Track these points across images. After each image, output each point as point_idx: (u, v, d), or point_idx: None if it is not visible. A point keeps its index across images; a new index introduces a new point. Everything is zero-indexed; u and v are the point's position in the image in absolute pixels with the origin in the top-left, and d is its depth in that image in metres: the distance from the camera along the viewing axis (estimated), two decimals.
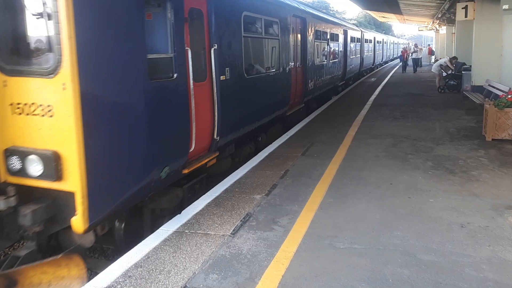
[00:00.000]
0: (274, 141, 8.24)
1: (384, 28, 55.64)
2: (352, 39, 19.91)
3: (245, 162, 6.77)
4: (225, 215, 4.59)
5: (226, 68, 6.01)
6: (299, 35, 10.68)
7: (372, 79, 23.76)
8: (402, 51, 30.16)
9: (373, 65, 30.45)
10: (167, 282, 3.26)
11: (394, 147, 7.46)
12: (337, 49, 16.10)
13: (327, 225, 4.27)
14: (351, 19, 37.31)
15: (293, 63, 9.88)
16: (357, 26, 25.74)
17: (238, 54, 6.54)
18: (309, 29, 11.39)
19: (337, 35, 15.99)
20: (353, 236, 4.00)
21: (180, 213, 4.73)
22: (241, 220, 4.43)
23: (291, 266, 3.46)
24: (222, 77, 5.83)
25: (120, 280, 3.31)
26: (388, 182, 5.56)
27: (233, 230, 4.19)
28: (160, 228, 4.32)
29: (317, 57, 12.62)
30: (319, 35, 12.94)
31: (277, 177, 5.88)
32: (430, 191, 5.21)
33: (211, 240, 3.99)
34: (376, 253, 3.70)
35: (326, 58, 13.91)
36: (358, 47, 22.41)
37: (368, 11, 37.69)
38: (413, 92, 15.96)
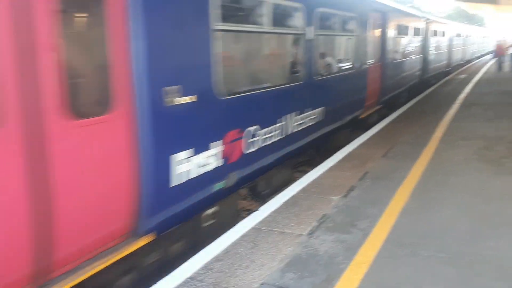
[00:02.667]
0: None
1: (476, 21, 50.95)
2: (403, 30, 12.67)
3: None
4: (301, 214, 4.59)
5: None
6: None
7: (462, 75, 22.05)
8: (496, 45, 25.31)
9: (448, 67, 22.65)
10: (245, 277, 3.35)
11: (486, 150, 6.87)
12: (361, 47, 8.80)
13: (410, 231, 4.06)
14: (439, 11, 33.95)
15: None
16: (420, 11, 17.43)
17: None
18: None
19: (361, 22, 8.64)
20: (438, 244, 3.76)
21: (257, 210, 4.82)
22: (317, 221, 4.39)
23: (370, 272, 3.35)
24: None
25: (202, 272, 3.46)
26: (480, 188, 5.13)
27: (310, 231, 4.16)
28: (239, 223, 4.44)
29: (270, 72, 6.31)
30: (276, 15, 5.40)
31: (355, 178, 5.72)
32: None
33: (288, 238, 4.01)
34: (465, 263, 3.44)
35: (329, 69, 7.63)
36: (417, 43, 14.96)
37: (460, 2, 35.04)
38: (510, 90, 14.53)
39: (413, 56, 14.23)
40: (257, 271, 3.44)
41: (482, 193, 4.98)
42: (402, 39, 12.84)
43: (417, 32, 14.82)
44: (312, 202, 4.93)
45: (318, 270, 3.42)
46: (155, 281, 3.46)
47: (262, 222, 4.42)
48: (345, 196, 5.09)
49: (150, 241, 3.55)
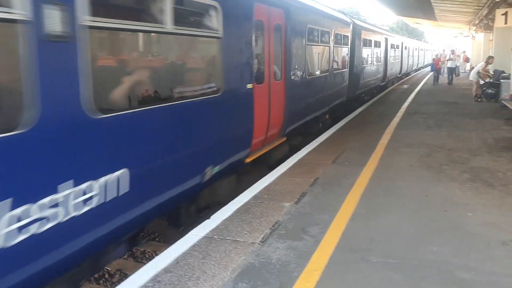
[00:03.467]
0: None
1: (416, 35, 53.99)
2: (320, 36, 9.88)
3: None
4: (254, 222, 4.54)
5: None
6: None
7: (405, 86, 23.24)
8: (434, 59, 26.36)
9: (383, 81, 20.74)
10: None
11: (428, 157, 7.22)
12: (238, 57, 5.72)
13: (359, 237, 4.14)
14: (383, 25, 35.23)
15: None
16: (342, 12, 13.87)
17: None
18: None
19: (235, 17, 5.64)
20: (386, 250, 3.86)
21: (209, 218, 4.71)
22: (270, 228, 4.36)
23: (322, 279, 3.36)
24: None
25: (149, 285, 3.30)
26: (423, 194, 5.36)
27: (262, 238, 4.12)
28: (190, 232, 4.31)
29: None
30: None
31: (306, 184, 5.78)
32: (467, 204, 4.99)
33: (240, 247, 3.95)
34: (411, 268, 3.55)
35: None
36: (342, 54, 12.30)
37: (402, 17, 37.03)
38: (448, 100, 15.49)
39: (336, 70, 11.50)
40: (209, 282, 3.33)
41: (425, 199, 5.20)
42: (319, 48, 9.88)
43: (342, 40, 11.98)
44: (264, 209, 4.90)
45: (270, 279, 3.38)
46: None
47: (214, 231, 4.31)
48: (297, 202, 5.11)
49: None
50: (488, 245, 3.94)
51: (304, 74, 8.67)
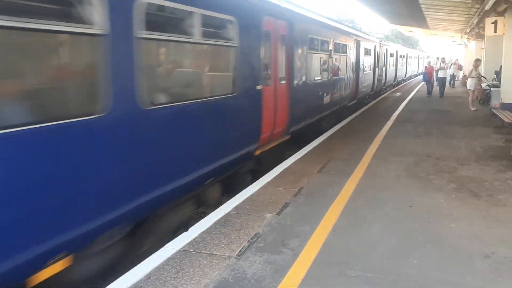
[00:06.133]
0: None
1: (411, 43, 54.28)
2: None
3: None
4: (232, 234, 4.43)
5: None
6: None
7: (397, 94, 23.25)
8: (426, 67, 22.37)
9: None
10: None
11: (415, 167, 7.14)
12: None
13: (339, 250, 4.04)
14: (378, 33, 34.84)
15: None
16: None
17: None
18: None
19: None
20: (365, 264, 3.76)
21: (187, 230, 4.60)
22: (248, 241, 4.25)
23: None
24: None
25: None
26: (408, 204, 5.27)
27: (239, 252, 4.01)
28: (165, 246, 4.19)
29: None
30: None
31: (290, 194, 5.68)
32: (451, 215, 4.90)
33: (216, 261, 3.83)
34: (389, 283, 3.45)
35: None
36: None
37: (395, 25, 37.23)
38: (440, 108, 15.47)
39: None
40: None
41: (409, 210, 5.11)
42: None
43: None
44: (244, 221, 4.79)
45: None
46: None
47: (190, 244, 4.20)
48: (279, 213, 5.00)
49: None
50: (470, 258, 3.85)
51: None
